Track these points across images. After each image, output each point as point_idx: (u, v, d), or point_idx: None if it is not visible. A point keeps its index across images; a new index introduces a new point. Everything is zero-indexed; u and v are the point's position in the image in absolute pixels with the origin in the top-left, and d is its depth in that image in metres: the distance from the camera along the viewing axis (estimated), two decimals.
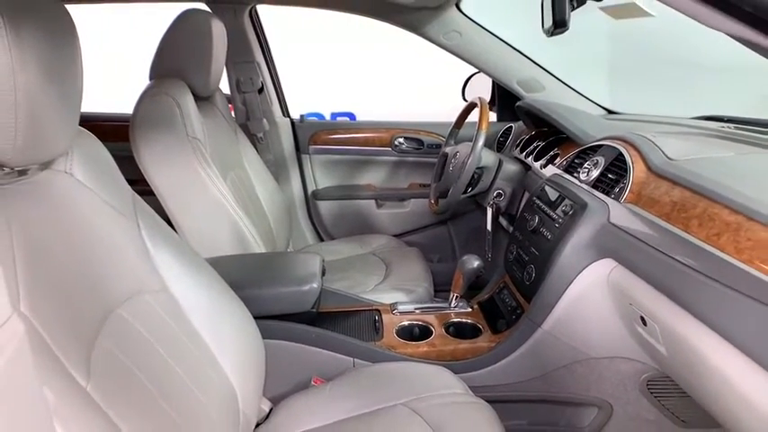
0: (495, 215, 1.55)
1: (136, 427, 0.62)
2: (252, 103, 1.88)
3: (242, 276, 1.13)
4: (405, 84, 3.39)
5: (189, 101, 1.30)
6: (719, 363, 0.72)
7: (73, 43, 0.66)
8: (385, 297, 1.41)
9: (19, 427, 0.40)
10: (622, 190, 1.03)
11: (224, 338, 0.89)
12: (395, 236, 1.97)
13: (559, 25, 0.95)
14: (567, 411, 1.21)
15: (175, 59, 1.34)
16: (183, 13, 1.35)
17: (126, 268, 0.76)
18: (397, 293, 1.44)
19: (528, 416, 1.22)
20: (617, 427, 1.18)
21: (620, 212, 1.00)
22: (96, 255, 0.71)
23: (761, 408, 0.64)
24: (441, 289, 1.56)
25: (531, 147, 1.58)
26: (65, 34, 0.64)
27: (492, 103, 2.02)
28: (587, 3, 1.03)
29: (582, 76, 1.95)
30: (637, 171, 1.03)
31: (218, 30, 1.39)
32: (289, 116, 2.01)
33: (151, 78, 1.34)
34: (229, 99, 1.86)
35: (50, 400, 0.50)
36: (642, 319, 0.91)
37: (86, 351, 0.61)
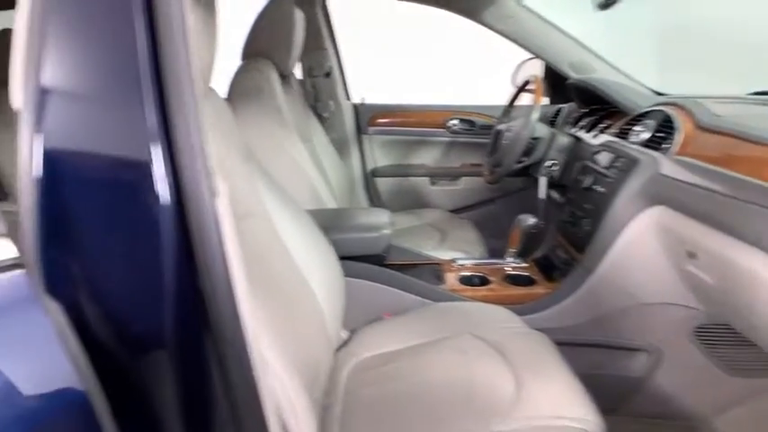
0: (548, 184, 1.65)
1: (265, 300, 0.76)
2: (320, 87, 2.07)
3: (323, 223, 1.29)
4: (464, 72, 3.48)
5: (275, 77, 1.49)
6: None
7: None
8: (443, 255, 1.54)
9: None
10: (672, 145, 1.12)
11: (313, 269, 1.04)
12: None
13: None
14: (620, 356, 1.29)
15: (264, 42, 1.53)
16: (272, 2, 1.54)
17: (239, 195, 0.93)
18: (455, 253, 1.57)
19: (582, 361, 1.31)
20: (667, 373, 1.25)
21: (669, 164, 1.10)
22: None
23: None
24: None
25: (582, 122, 1.68)
26: None
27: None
28: None
29: (631, 61, 2.03)
30: (686, 129, 1.13)
31: (299, 17, 1.57)
32: (351, 99, 2.18)
33: (243, 59, 1.54)
34: (300, 83, 2.05)
35: None
36: (689, 253, 1.00)
37: None
